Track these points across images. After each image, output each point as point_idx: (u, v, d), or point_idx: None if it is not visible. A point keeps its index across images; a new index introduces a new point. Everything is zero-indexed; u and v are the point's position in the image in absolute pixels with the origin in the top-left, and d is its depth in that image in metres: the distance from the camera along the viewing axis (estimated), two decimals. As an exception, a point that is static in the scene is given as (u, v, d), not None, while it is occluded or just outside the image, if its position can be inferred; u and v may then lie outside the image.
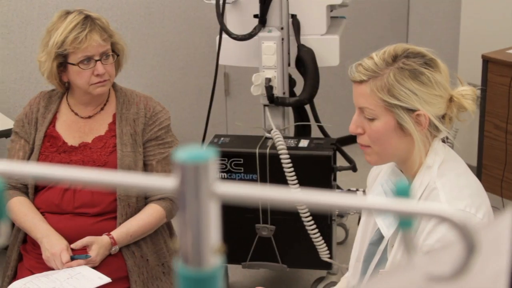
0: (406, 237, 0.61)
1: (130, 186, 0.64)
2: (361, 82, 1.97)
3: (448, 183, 1.95)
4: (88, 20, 2.72)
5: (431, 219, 1.93)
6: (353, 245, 2.22)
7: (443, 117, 2.00)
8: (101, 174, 0.63)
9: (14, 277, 2.77)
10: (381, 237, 2.08)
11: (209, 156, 0.61)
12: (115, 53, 2.82)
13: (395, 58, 1.96)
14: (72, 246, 2.66)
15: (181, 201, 0.62)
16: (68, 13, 2.76)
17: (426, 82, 1.94)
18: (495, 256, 0.64)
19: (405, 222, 0.61)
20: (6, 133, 3.46)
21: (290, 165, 3.28)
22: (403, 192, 0.60)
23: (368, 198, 0.63)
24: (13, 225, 2.87)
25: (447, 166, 1.99)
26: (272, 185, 3.35)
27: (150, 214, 2.79)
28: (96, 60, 2.73)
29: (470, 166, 2.11)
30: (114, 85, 2.91)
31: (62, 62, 2.75)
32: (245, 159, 3.38)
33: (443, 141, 2.07)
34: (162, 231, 2.89)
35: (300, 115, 3.75)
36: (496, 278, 0.65)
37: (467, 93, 2.00)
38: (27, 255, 2.79)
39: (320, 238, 3.36)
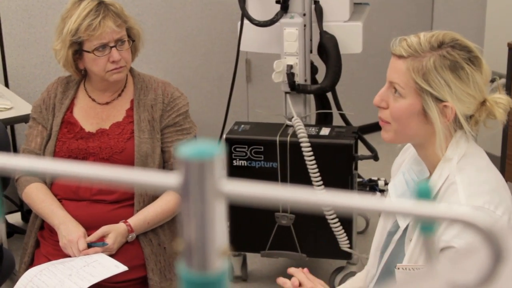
0: (428, 242, 0.57)
1: (131, 183, 0.59)
2: (400, 57, 1.94)
3: (467, 178, 1.92)
4: (101, 6, 2.68)
5: (454, 223, 1.89)
6: (375, 234, 2.19)
7: (470, 117, 1.95)
8: (102, 169, 0.59)
9: (31, 264, 2.75)
10: (398, 227, 2.06)
11: (215, 152, 0.57)
12: (130, 38, 2.78)
13: (441, 44, 1.92)
14: (87, 240, 2.63)
15: (184, 200, 0.58)
16: None
17: (463, 78, 1.90)
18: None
19: (427, 226, 0.57)
20: (26, 118, 3.44)
21: (311, 153, 3.23)
22: (424, 193, 0.56)
23: (389, 201, 0.59)
24: (30, 211, 2.85)
25: (468, 161, 1.96)
26: (292, 174, 3.31)
27: (168, 201, 2.76)
28: (111, 47, 2.69)
29: (494, 156, 2.06)
30: (131, 71, 2.87)
31: (77, 49, 2.71)
32: (266, 147, 3.33)
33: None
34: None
35: (322, 103, 3.69)
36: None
37: (501, 102, 1.96)
38: (44, 241, 2.77)
39: (340, 227, 3.31)
